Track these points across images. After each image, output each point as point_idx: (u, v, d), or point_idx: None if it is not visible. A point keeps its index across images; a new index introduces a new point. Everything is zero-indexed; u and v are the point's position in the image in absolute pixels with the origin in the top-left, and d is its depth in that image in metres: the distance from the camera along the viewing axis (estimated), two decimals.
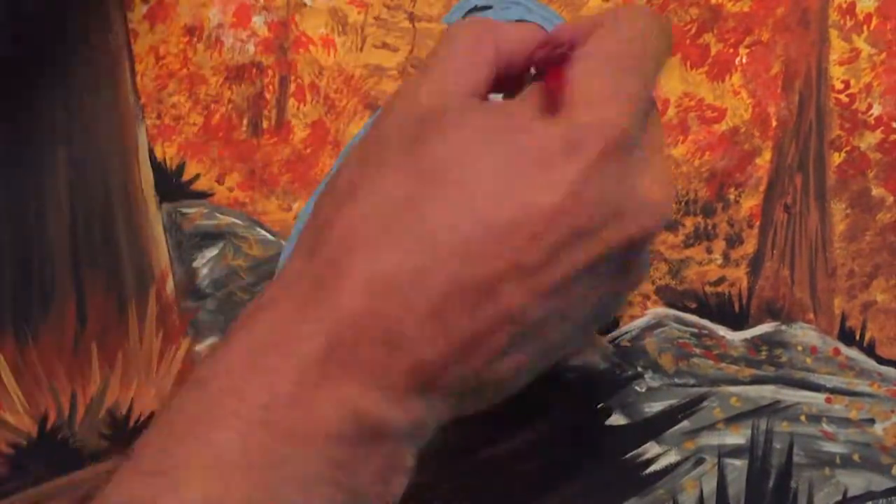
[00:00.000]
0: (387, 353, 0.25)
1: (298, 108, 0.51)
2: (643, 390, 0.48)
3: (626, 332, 0.48)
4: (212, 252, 0.50)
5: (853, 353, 0.48)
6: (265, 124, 0.51)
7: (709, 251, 0.50)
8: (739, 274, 0.49)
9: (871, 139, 0.50)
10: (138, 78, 0.51)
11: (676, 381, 0.48)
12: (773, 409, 0.47)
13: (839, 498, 0.46)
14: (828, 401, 0.47)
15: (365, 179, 0.27)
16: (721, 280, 0.49)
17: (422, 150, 0.26)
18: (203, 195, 0.50)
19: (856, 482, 0.46)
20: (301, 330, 0.25)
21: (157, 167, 0.51)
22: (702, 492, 0.46)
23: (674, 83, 0.50)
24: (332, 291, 0.25)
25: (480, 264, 0.25)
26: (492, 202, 0.25)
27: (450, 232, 0.25)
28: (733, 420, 0.47)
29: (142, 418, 0.48)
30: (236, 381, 0.25)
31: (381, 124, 0.29)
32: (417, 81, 0.29)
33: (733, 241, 0.50)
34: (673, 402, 0.47)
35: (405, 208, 0.26)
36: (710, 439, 0.47)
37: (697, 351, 0.48)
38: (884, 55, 0.50)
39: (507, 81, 0.31)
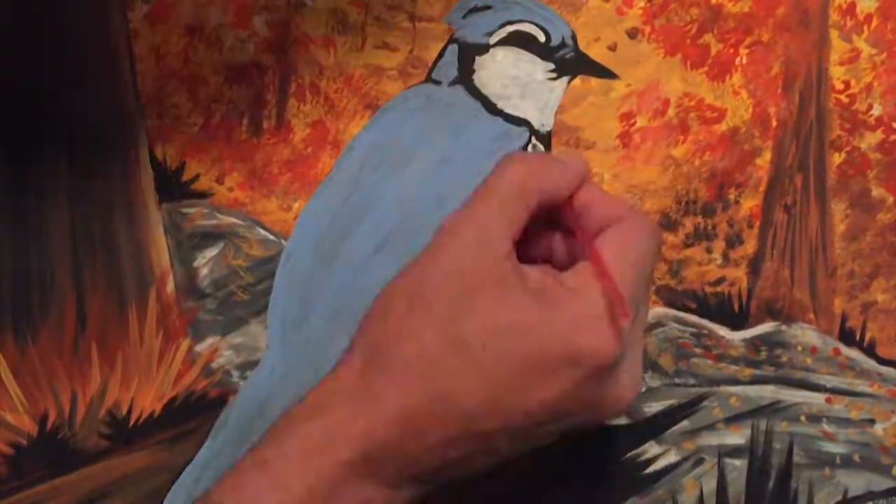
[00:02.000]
0: (401, 467, 0.34)
1: (299, 108, 0.51)
2: (643, 390, 0.48)
3: None
4: (212, 252, 0.50)
5: (853, 353, 0.48)
6: (265, 124, 0.51)
7: (709, 251, 0.50)
8: (739, 274, 0.49)
9: (871, 139, 0.50)
10: (138, 78, 0.51)
11: (676, 381, 0.48)
12: (773, 409, 0.47)
13: (839, 498, 0.46)
14: (828, 401, 0.47)
15: (413, 327, 0.34)
16: (721, 280, 0.49)
17: (462, 323, 0.34)
18: (203, 195, 0.50)
19: (856, 482, 0.46)
20: (342, 441, 0.33)
21: (158, 167, 0.51)
22: (702, 492, 0.46)
23: (674, 83, 0.50)
24: (370, 415, 0.34)
25: (483, 423, 0.34)
26: (500, 385, 0.33)
27: (467, 396, 0.33)
28: (733, 420, 0.47)
29: (142, 418, 0.48)
30: (284, 472, 0.33)
31: (430, 266, 0.35)
32: (464, 225, 0.35)
33: (733, 241, 0.50)
34: (673, 402, 0.47)
35: (438, 366, 0.33)
36: (710, 439, 0.47)
37: (697, 351, 0.48)
38: (884, 55, 0.50)
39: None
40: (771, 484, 0.46)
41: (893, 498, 0.46)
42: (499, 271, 0.35)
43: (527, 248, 0.37)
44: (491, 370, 0.33)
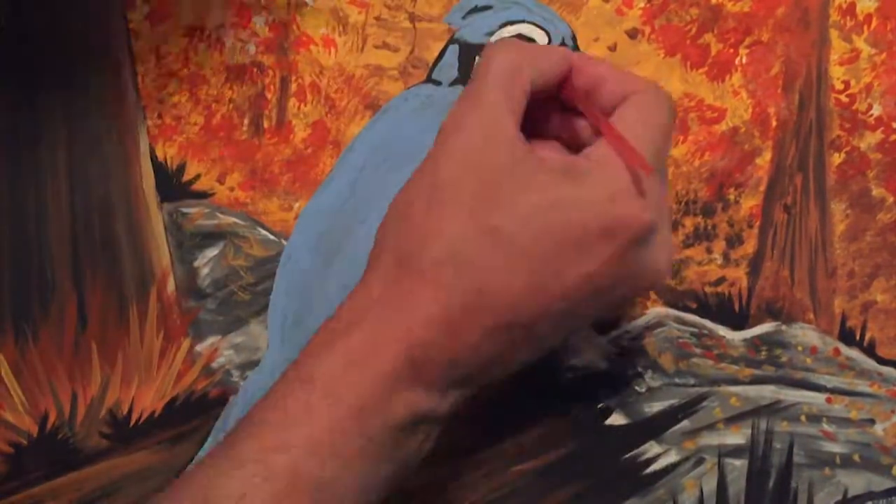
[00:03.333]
0: (443, 370, 0.33)
1: (299, 108, 0.51)
2: (643, 390, 0.48)
3: (626, 332, 0.48)
4: (212, 252, 0.50)
5: (853, 353, 0.48)
6: (266, 124, 0.51)
7: (709, 251, 0.50)
8: (739, 274, 0.49)
9: (871, 139, 0.50)
10: (139, 78, 0.51)
11: (676, 380, 0.48)
12: (773, 409, 0.47)
13: (839, 498, 0.46)
14: (828, 401, 0.48)
15: (438, 224, 0.34)
16: (721, 280, 0.49)
17: (490, 211, 0.33)
18: (204, 195, 0.51)
19: (856, 482, 0.46)
20: (383, 351, 0.33)
21: (158, 167, 0.51)
22: (702, 492, 0.46)
23: (674, 83, 0.50)
24: (408, 319, 0.33)
25: (525, 310, 0.33)
26: (539, 267, 0.33)
27: (506, 285, 0.33)
28: (733, 420, 0.47)
29: (142, 418, 0.48)
30: (334, 386, 0.33)
31: (443, 162, 0.34)
32: (466, 117, 0.35)
33: (733, 241, 0.50)
34: (673, 402, 0.47)
35: (472, 260, 0.33)
36: (710, 439, 0.47)
37: (697, 351, 0.48)
38: (884, 55, 0.50)
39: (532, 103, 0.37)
40: (771, 484, 0.46)
41: (893, 498, 0.46)
42: (514, 154, 0.34)
43: (529, 135, 0.36)
44: (528, 253, 0.33)
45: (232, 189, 0.51)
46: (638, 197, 0.33)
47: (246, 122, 0.51)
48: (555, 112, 0.39)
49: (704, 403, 0.47)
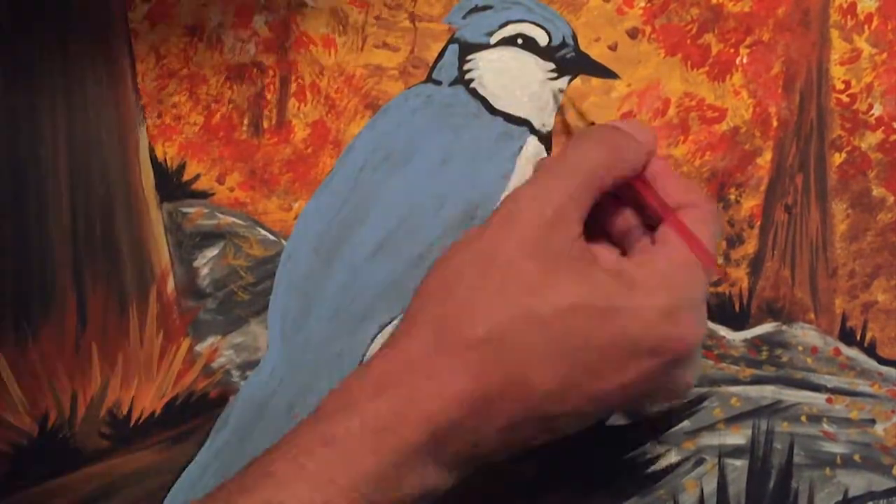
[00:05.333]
0: (464, 447, 0.33)
1: (299, 108, 0.51)
2: None
3: None
4: (212, 252, 0.50)
5: (854, 353, 0.48)
6: (266, 124, 0.51)
7: None
8: (740, 274, 0.49)
9: (871, 139, 0.50)
10: (139, 78, 0.51)
11: None
12: (773, 409, 0.47)
13: (840, 498, 0.46)
14: (828, 401, 0.47)
15: (487, 303, 0.33)
16: (721, 280, 0.49)
17: (541, 298, 0.32)
18: (203, 195, 0.50)
19: (856, 482, 0.46)
20: (410, 421, 0.32)
21: (158, 167, 0.51)
22: (702, 492, 0.46)
23: (674, 83, 0.50)
24: (441, 395, 0.32)
25: (554, 406, 0.32)
26: (578, 367, 0.32)
27: (541, 377, 0.32)
28: (734, 420, 0.47)
29: (142, 418, 0.48)
30: (351, 452, 0.32)
31: (502, 239, 0.34)
32: (536, 200, 0.34)
33: (734, 241, 0.50)
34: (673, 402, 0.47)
35: (515, 346, 0.32)
36: (711, 439, 0.47)
37: None
38: (885, 55, 0.50)
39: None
40: (771, 484, 0.46)
41: (894, 498, 0.46)
42: (574, 250, 0.33)
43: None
44: (569, 350, 0.32)
45: (232, 189, 0.51)
46: (693, 316, 0.33)
47: (246, 122, 0.51)
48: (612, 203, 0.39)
49: (705, 403, 0.47)
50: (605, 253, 0.35)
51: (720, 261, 0.49)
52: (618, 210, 0.38)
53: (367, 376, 0.34)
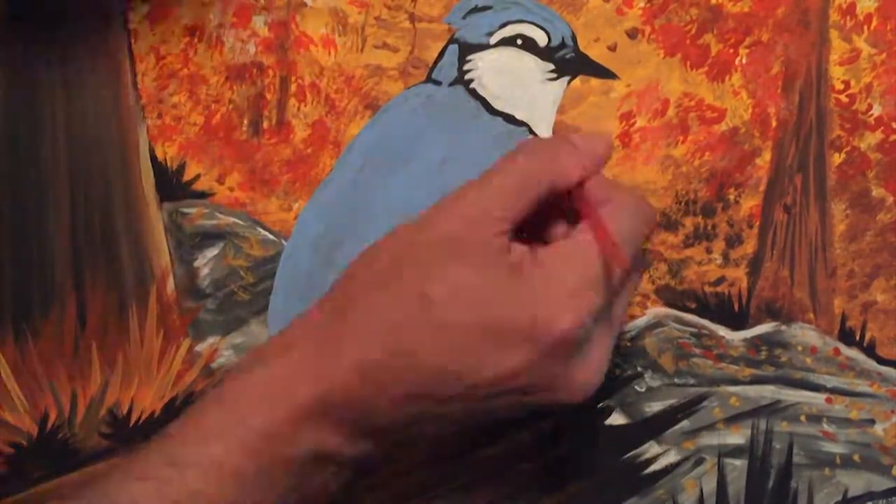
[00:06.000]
0: (357, 416, 0.34)
1: (299, 109, 0.51)
2: (643, 390, 0.48)
3: (627, 332, 0.48)
4: (212, 252, 0.50)
5: (853, 353, 0.48)
6: (266, 124, 0.51)
7: (708, 251, 0.50)
8: (739, 274, 0.49)
9: (871, 139, 0.50)
10: (139, 78, 0.51)
11: (676, 380, 0.48)
12: (772, 409, 0.47)
13: (839, 498, 0.46)
14: (828, 401, 0.47)
15: (383, 281, 0.35)
16: (721, 280, 0.49)
17: (431, 282, 0.34)
18: (204, 195, 0.51)
19: (856, 482, 0.46)
20: (302, 382, 0.34)
21: (158, 167, 0.51)
22: (702, 492, 0.46)
23: (674, 83, 0.50)
24: (332, 363, 0.34)
25: (440, 386, 0.34)
26: (460, 351, 0.33)
27: (426, 354, 0.33)
28: (733, 420, 0.47)
29: (142, 418, 0.48)
30: (244, 408, 0.34)
31: (422, 234, 0.35)
32: (466, 207, 0.35)
33: (733, 241, 0.50)
34: (673, 401, 0.47)
35: (401, 322, 0.34)
36: (710, 439, 0.47)
37: (697, 351, 0.48)
38: (884, 55, 0.50)
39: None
40: (771, 484, 0.46)
41: (893, 498, 0.46)
42: (487, 245, 0.35)
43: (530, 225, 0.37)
44: (451, 330, 0.33)
45: (232, 189, 0.51)
46: (570, 305, 0.33)
47: (246, 122, 0.51)
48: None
49: (704, 403, 0.47)
50: (519, 248, 0.35)
51: (719, 260, 0.49)
52: (558, 220, 0.39)
53: (274, 340, 0.36)
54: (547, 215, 0.38)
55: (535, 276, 0.34)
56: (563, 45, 0.47)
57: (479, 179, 0.36)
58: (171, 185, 0.50)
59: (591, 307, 0.34)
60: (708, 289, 0.49)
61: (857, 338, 0.48)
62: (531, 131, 0.46)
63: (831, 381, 0.48)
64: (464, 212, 0.35)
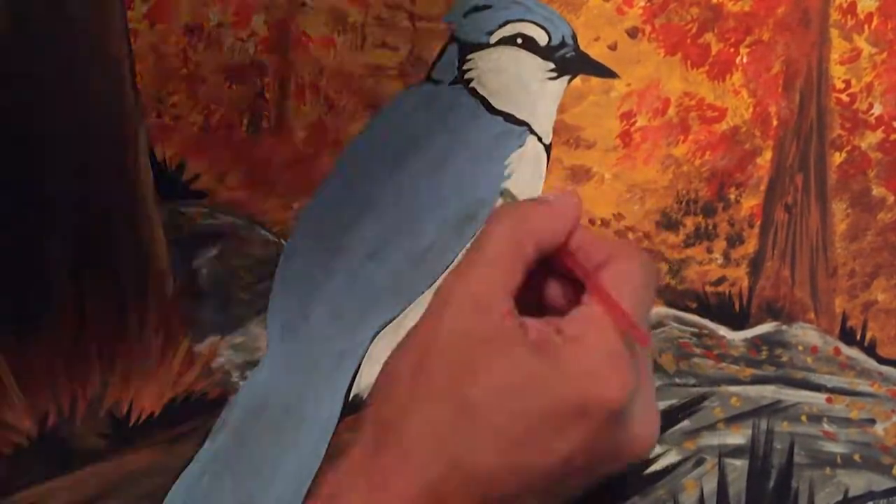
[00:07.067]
0: None
1: (299, 108, 0.51)
2: None
3: None
4: (212, 252, 0.50)
5: (854, 352, 0.48)
6: (265, 124, 0.51)
7: (709, 251, 0.50)
8: (740, 274, 0.49)
9: (871, 139, 0.50)
10: (138, 78, 0.51)
11: (677, 380, 0.48)
12: (773, 408, 0.47)
13: (840, 498, 0.46)
14: (828, 401, 0.47)
15: (419, 397, 0.34)
16: (721, 280, 0.49)
17: (466, 387, 0.33)
18: (203, 195, 0.51)
19: (856, 482, 0.46)
20: None
21: (158, 167, 0.51)
22: (702, 491, 0.46)
23: (674, 82, 0.50)
24: (387, 497, 0.33)
25: (503, 486, 0.33)
26: (514, 446, 0.33)
27: (482, 460, 0.33)
28: (734, 420, 0.47)
29: (142, 418, 0.48)
30: None
31: (429, 339, 0.34)
32: (459, 287, 0.34)
33: (734, 240, 0.50)
34: (673, 401, 0.47)
35: (448, 436, 0.33)
36: (711, 439, 0.47)
37: (698, 351, 0.48)
38: (885, 55, 0.50)
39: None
40: (772, 483, 0.46)
41: (893, 498, 0.46)
42: (500, 331, 0.34)
43: (522, 293, 0.37)
44: (503, 430, 0.33)
45: (231, 189, 0.51)
46: (611, 373, 0.33)
47: (245, 122, 0.51)
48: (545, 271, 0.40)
49: (705, 403, 0.47)
50: (535, 325, 0.36)
51: (720, 260, 0.49)
52: (551, 282, 0.39)
53: (321, 491, 0.35)
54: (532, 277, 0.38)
55: (566, 352, 0.33)
56: (563, 44, 0.47)
57: (468, 262, 0.36)
58: (171, 185, 0.50)
59: (629, 366, 0.34)
60: (708, 288, 0.49)
61: (858, 337, 0.48)
62: (531, 130, 0.46)
63: (832, 381, 0.48)
64: (464, 303, 0.35)
